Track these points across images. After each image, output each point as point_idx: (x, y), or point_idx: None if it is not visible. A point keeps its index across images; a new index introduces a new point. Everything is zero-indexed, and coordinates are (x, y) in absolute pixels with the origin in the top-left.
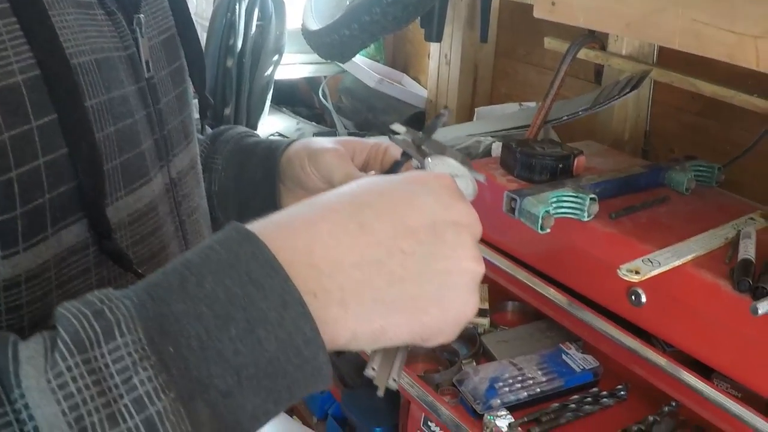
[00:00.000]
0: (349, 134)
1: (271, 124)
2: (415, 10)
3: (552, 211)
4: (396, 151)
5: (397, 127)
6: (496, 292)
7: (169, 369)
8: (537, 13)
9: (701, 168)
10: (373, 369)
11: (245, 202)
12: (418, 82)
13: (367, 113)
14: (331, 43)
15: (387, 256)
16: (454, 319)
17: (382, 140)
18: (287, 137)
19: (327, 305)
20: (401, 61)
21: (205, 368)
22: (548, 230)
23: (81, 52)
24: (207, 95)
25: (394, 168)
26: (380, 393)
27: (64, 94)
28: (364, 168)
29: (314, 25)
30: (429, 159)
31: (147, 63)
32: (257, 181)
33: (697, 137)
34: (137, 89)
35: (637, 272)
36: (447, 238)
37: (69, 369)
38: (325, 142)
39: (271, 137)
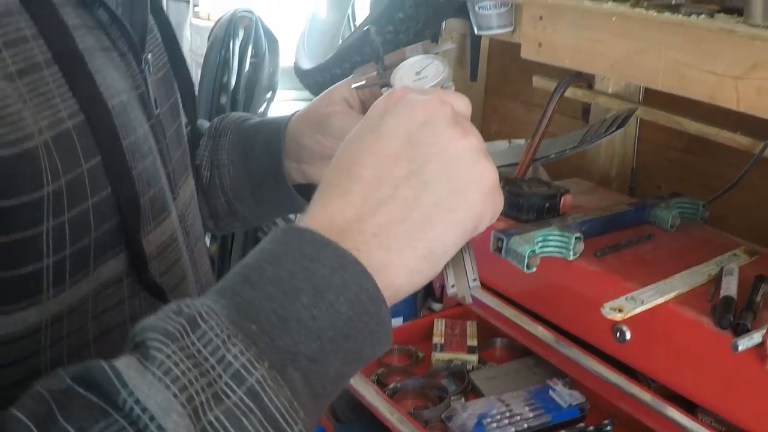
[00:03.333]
0: None
1: None
2: None
3: (538, 251)
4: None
5: (357, 75)
6: (484, 329)
7: (257, 343)
8: (524, 54)
9: (686, 205)
10: (452, 286)
11: (257, 189)
12: None
13: None
14: (323, 82)
15: (393, 189)
16: (480, 194)
17: (348, 80)
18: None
19: (372, 254)
20: None
21: (289, 337)
22: (534, 269)
23: (111, 95)
24: (198, 126)
25: None
26: (469, 300)
27: (106, 136)
28: (365, 107)
29: (306, 64)
30: (392, 77)
31: (155, 100)
32: (264, 168)
33: (683, 173)
34: (150, 126)
35: (620, 310)
36: (425, 139)
37: (168, 357)
38: (320, 107)
39: (267, 118)
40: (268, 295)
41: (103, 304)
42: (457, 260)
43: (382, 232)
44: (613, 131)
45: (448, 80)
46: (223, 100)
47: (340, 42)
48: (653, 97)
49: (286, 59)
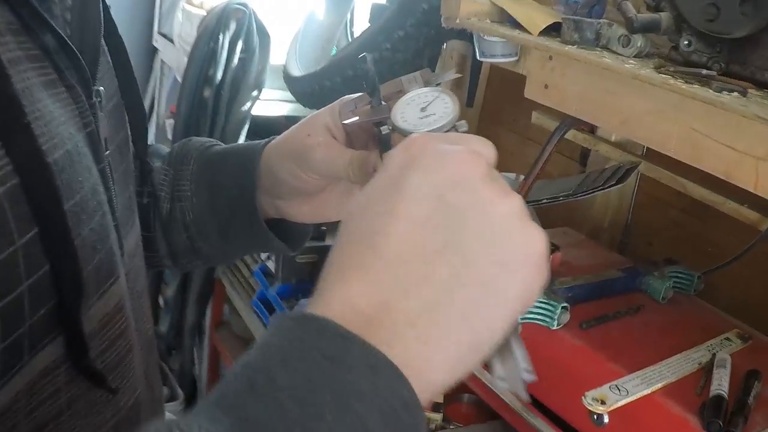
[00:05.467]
0: None
1: None
2: (402, 69)
3: (519, 318)
4: (366, 127)
5: (346, 107)
6: None
7: None
8: (528, 94)
9: (680, 275)
10: (502, 379)
11: (225, 225)
12: None
13: None
14: (311, 93)
15: (426, 266)
16: (531, 267)
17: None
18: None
19: (407, 349)
20: None
21: None
22: None
23: (54, 145)
24: (148, 161)
25: (384, 144)
26: (525, 397)
27: (44, 202)
28: (350, 139)
29: (296, 71)
30: (393, 113)
31: (105, 140)
32: (234, 202)
33: (679, 234)
34: (99, 171)
35: (603, 402)
36: (460, 202)
37: None
38: (300, 137)
39: (238, 144)
40: (280, 408)
41: (38, 396)
42: (503, 346)
43: (418, 321)
44: (612, 185)
45: (460, 118)
46: (207, 93)
47: (335, 49)
48: (657, 153)
49: (276, 58)
